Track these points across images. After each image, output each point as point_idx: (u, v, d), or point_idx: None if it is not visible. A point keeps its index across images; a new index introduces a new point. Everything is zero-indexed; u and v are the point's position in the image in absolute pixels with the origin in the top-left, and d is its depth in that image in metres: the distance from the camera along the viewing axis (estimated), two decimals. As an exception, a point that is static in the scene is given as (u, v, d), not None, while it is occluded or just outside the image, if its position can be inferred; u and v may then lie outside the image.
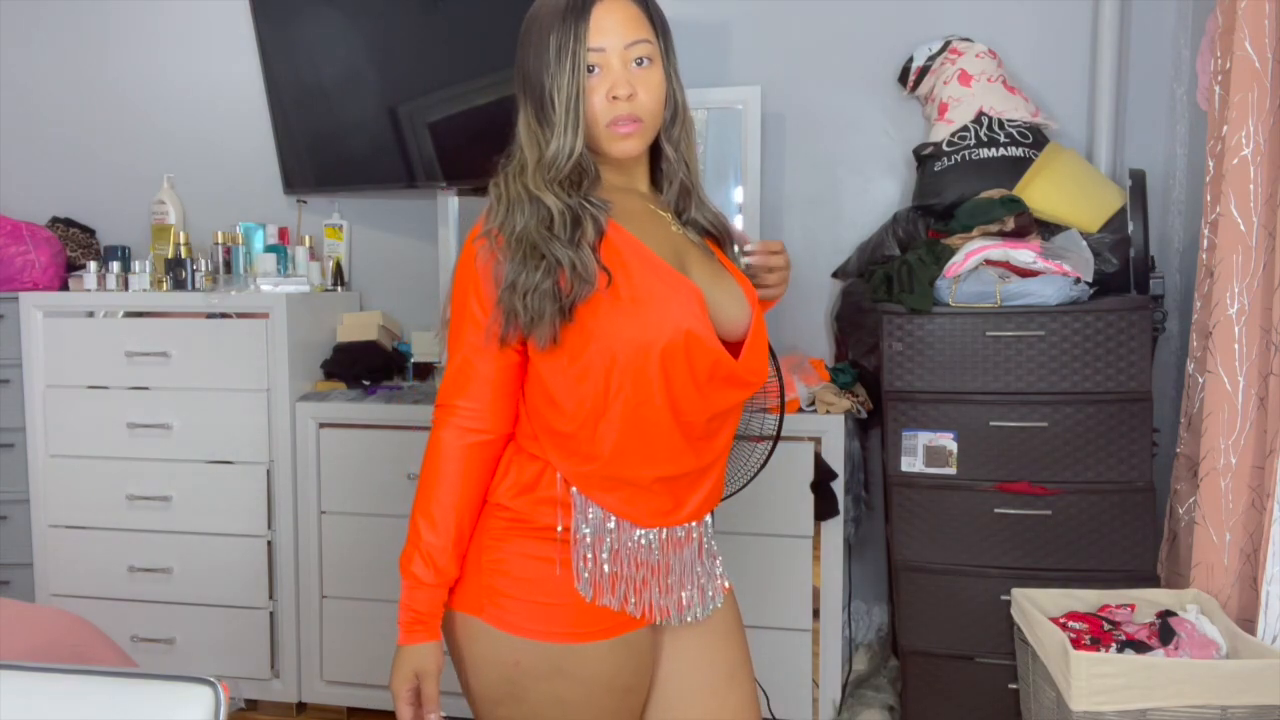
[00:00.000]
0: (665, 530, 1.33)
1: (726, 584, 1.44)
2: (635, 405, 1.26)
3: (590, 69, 1.25)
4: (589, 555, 1.29)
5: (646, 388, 1.25)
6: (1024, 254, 2.21)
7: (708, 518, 1.41)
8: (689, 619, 1.38)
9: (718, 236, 1.42)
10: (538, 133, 1.28)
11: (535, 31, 1.28)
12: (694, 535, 1.37)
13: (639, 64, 1.27)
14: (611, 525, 1.30)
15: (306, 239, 3.03)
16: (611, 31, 1.25)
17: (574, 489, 1.30)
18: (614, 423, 1.26)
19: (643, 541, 1.31)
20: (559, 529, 1.30)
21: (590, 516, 1.30)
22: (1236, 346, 1.90)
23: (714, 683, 1.41)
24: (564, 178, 1.26)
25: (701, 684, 1.41)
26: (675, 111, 1.34)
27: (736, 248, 1.44)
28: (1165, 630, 1.86)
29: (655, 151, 1.37)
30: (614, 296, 1.24)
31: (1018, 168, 2.42)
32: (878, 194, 2.78)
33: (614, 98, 1.26)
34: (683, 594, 1.36)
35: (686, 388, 1.27)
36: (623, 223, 1.29)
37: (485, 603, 1.30)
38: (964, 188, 2.43)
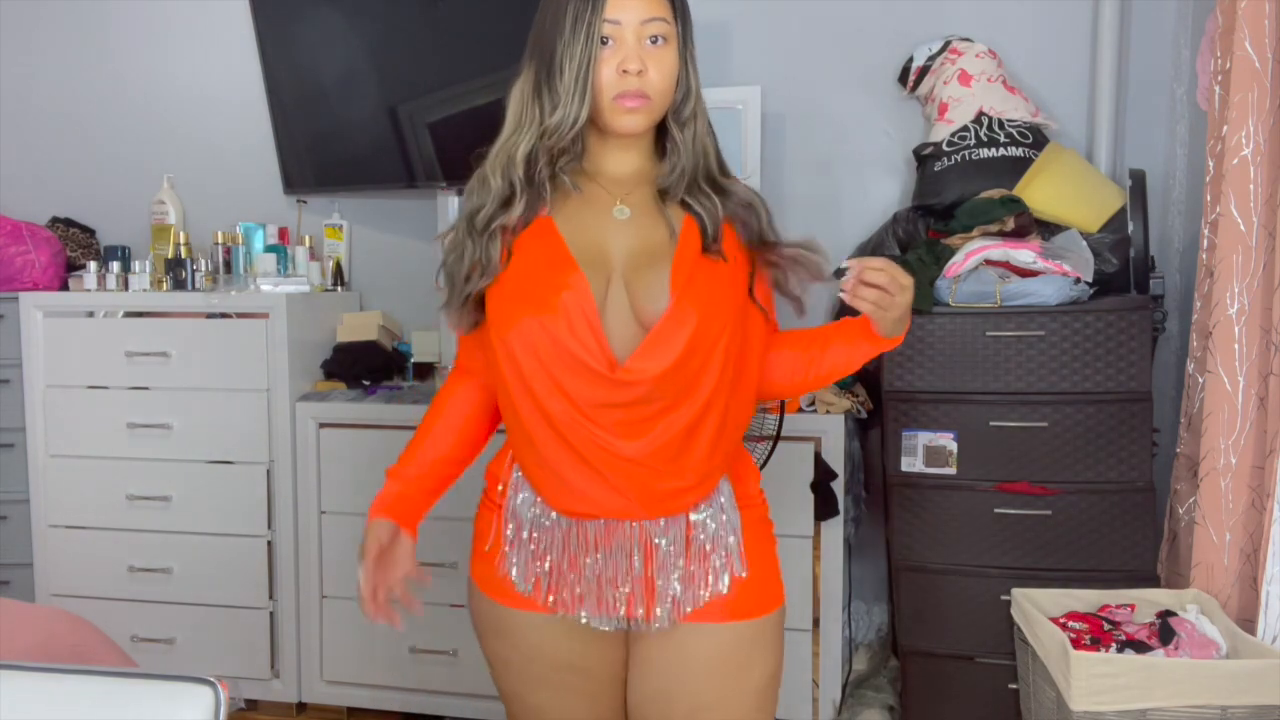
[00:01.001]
0: (586, 521, 1.30)
1: (695, 603, 1.31)
2: (522, 390, 1.29)
3: (604, 40, 1.26)
4: (509, 530, 1.34)
5: (518, 372, 1.28)
6: (1024, 254, 2.21)
7: (694, 517, 1.31)
8: (605, 626, 1.32)
9: (708, 224, 1.34)
10: (529, 102, 1.30)
11: (554, 1, 1.28)
12: (629, 534, 1.29)
13: (653, 42, 1.27)
14: (534, 506, 1.33)
15: (306, 239, 3.03)
16: (629, 6, 1.26)
17: (516, 465, 1.35)
18: (517, 404, 1.30)
19: (556, 528, 1.32)
20: (499, 500, 1.38)
21: (520, 493, 1.34)
22: (1236, 346, 1.90)
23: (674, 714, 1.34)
24: (564, 146, 1.29)
25: (668, 706, 1.34)
26: (686, 94, 1.32)
27: (843, 265, 1.38)
28: (1165, 630, 1.86)
29: (666, 134, 1.36)
30: (501, 284, 1.30)
31: (1018, 168, 2.42)
32: (878, 194, 2.78)
33: (624, 71, 1.26)
34: (597, 595, 1.30)
35: (540, 378, 1.27)
36: (558, 208, 1.31)
37: (473, 549, 1.42)
38: (964, 188, 2.43)
